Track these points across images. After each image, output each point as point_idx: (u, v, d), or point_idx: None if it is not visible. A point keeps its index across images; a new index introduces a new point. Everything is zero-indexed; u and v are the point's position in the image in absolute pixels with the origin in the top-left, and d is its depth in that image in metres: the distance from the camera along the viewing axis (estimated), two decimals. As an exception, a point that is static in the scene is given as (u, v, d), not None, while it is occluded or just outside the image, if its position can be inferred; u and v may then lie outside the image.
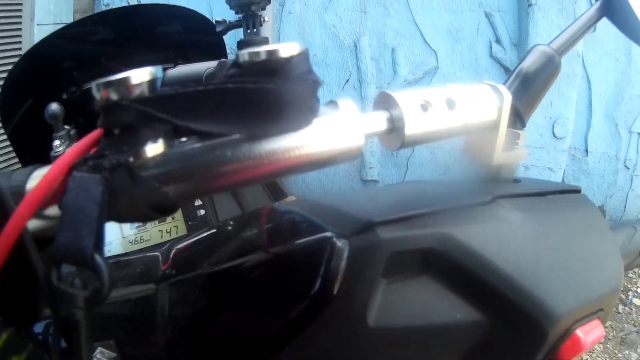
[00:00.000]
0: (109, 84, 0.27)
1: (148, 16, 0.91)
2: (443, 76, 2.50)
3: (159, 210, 0.29)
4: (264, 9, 0.99)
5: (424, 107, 0.36)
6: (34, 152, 0.84)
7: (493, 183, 0.45)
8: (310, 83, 0.29)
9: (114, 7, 2.60)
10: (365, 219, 0.36)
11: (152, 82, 0.28)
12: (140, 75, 0.27)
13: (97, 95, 0.27)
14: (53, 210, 0.28)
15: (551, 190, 0.47)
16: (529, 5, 2.28)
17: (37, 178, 0.29)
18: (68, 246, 0.26)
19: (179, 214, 0.89)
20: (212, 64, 0.77)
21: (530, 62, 0.47)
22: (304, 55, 0.29)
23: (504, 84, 0.45)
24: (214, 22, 0.92)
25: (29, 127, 0.84)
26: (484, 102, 0.40)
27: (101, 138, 0.28)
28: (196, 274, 0.47)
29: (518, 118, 0.44)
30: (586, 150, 2.53)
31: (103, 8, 2.62)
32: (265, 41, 0.94)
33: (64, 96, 0.86)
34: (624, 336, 1.98)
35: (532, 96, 0.46)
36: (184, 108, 0.28)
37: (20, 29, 2.20)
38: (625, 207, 2.59)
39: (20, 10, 2.19)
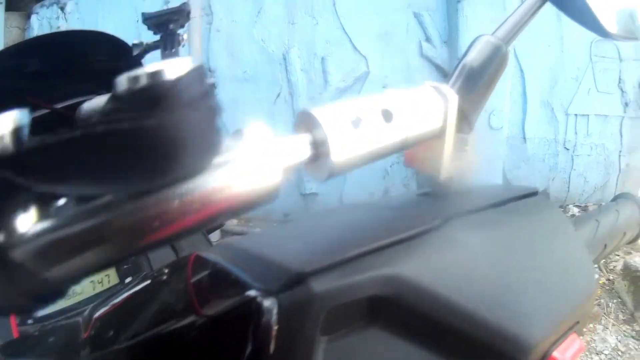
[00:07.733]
0: None
1: (62, 44, 0.81)
2: (374, 80, 2.49)
3: (40, 299, 0.22)
4: (182, 26, 0.92)
5: (355, 124, 0.29)
6: None
7: (442, 199, 0.40)
8: (205, 111, 0.22)
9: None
10: (295, 270, 0.29)
11: (16, 133, 0.20)
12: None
13: None
14: None
15: (508, 197, 0.41)
16: (458, 2, 2.29)
17: None
18: None
19: (109, 262, 0.82)
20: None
21: (474, 55, 0.40)
22: (197, 73, 0.21)
23: (447, 82, 0.39)
24: (131, 46, 0.83)
25: None
26: (426, 108, 0.34)
27: None
28: (121, 345, 0.40)
29: (465, 120, 0.38)
30: (524, 138, 2.58)
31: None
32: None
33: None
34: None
35: (479, 93, 0.39)
36: (48, 166, 0.21)
37: None
38: (568, 188, 2.66)
39: None
